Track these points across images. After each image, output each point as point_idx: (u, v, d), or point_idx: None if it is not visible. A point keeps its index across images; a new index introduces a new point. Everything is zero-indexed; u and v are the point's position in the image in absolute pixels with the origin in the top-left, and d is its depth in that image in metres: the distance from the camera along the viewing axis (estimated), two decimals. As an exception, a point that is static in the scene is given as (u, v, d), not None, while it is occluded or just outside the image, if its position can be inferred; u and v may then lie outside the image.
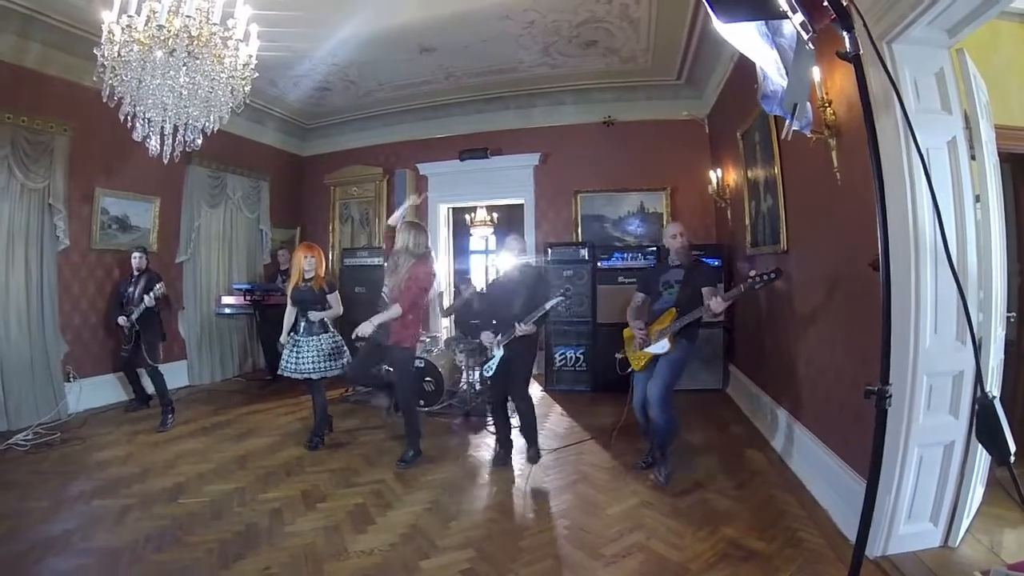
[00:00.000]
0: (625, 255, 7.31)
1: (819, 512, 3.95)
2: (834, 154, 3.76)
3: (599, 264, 7.37)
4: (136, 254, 6.09)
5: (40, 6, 5.28)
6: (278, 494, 4.35)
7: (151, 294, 5.75)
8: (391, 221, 5.31)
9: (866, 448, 3.35)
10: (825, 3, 1.84)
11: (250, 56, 4.32)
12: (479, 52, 6.66)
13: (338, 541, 3.72)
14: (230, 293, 8.05)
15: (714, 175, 7.13)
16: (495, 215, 11.15)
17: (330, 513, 4.08)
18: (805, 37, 2.00)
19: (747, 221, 5.87)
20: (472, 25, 5.93)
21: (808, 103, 2.74)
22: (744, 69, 5.38)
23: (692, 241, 4.96)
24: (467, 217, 10.94)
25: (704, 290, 4.44)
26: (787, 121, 2.58)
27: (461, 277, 8.85)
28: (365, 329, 4.78)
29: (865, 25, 2.06)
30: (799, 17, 1.90)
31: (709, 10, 2.06)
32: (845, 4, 1.87)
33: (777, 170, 4.94)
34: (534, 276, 5.00)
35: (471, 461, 5.03)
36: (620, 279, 7.21)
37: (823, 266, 4.34)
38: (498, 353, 4.83)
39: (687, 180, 7.76)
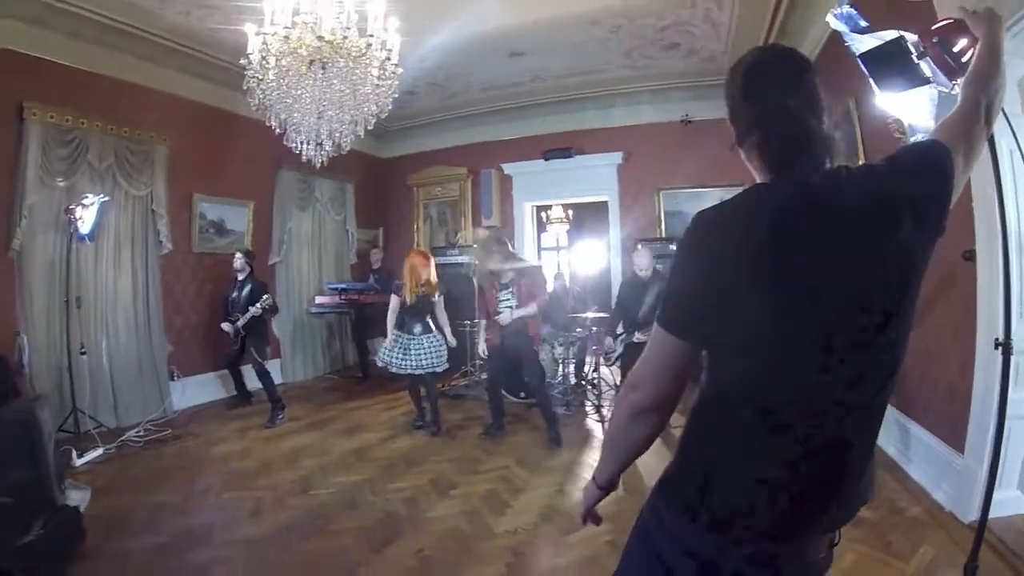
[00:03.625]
0: None
1: (912, 485, 4.13)
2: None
3: None
4: (238, 255, 6.23)
5: (138, 21, 5.42)
6: (406, 483, 4.44)
7: (258, 305, 5.93)
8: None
9: (958, 423, 3.72)
10: (956, 65, 2.14)
11: (397, 69, 4.44)
12: (566, 56, 6.75)
13: (481, 523, 3.83)
14: (323, 293, 8.17)
15: None
16: (570, 212, 11.22)
17: (464, 499, 4.18)
18: (947, 91, 2.24)
19: None
20: (561, 30, 6.01)
21: None
22: (823, 67, 5.34)
23: None
24: (544, 215, 10.93)
25: None
26: None
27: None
28: (505, 318, 5.06)
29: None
30: (940, 78, 2.22)
31: (873, 84, 2.40)
32: (965, 61, 2.13)
33: (862, 164, 4.91)
34: (662, 285, 5.16)
35: (582, 446, 5.11)
36: None
37: None
38: (619, 349, 5.28)
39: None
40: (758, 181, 1.36)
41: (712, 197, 7.83)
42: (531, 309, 5.16)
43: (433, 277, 5.44)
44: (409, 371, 5.37)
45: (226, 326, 6.09)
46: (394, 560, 3.44)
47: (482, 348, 5.56)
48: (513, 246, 5.61)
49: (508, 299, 5.18)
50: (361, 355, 8.23)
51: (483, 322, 5.50)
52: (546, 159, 8.55)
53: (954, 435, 3.82)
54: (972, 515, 3.36)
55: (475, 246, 5.72)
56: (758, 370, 1.21)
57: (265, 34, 4.08)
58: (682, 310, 1.24)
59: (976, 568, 2.66)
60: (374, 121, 4.70)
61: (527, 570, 3.38)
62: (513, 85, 7.74)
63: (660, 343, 1.24)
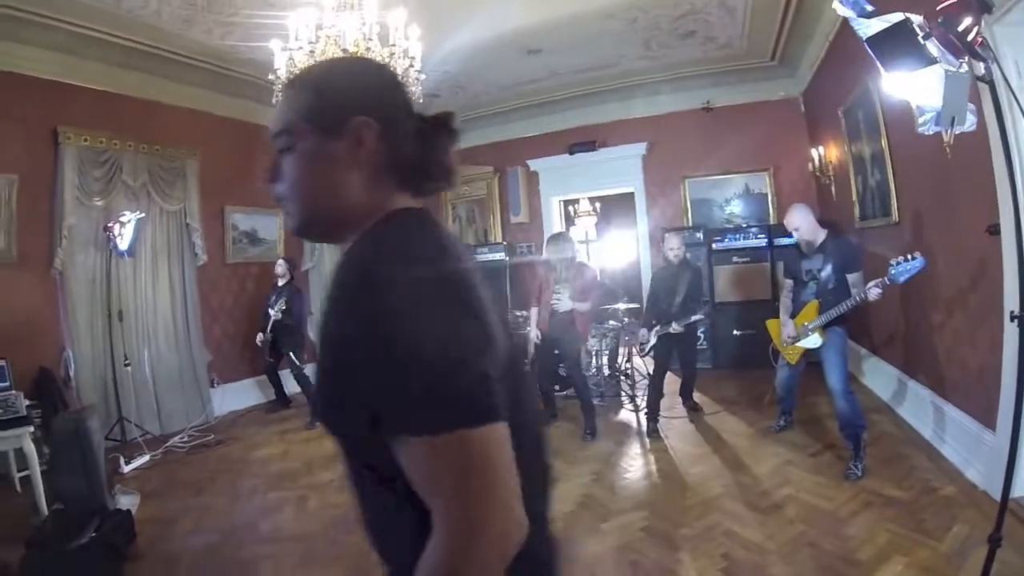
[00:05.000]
0: (737, 236, 7.46)
1: (946, 464, 4.15)
2: (948, 131, 3.86)
3: (713, 246, 7.49)
4: (280, 262, 6.49)
5: (162, 42, 5.59)
6: None
7: (273, 309, 6.18)
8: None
9: (990, 400, 3.73)
10: (961, 45, 2.36)
11: (419, 74, 4.66)
12: (583, 50, 6.85)
13: None
14: None
15: (816, 152, 7.13)
16: (597, 205, 11.25)
17: None
18: (954, 69, 2.47)
19: (854, 196, 5.95)
20: (577, 26, 6.11)
21: (970, 106, 2.83)
22: (842, 47, 5.54)
23: (825, 220, 4.94)
24: (571, 209, 11.07)
25: (851, 277, 4.40)
26: (947, 131, 2.84)
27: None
28: (564, 304, 5.30)
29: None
30: (947, 58, 2.44)
31: (879, 64, 2.61)
32: (970, 41, 2.38)
33: (884, 143, 5.01)
34: (693, 275, 5.50)
35: (617, 436, 5.26)
36: (734, 259, 7.36)
37: (938, 234, 4.50)
38: (652, 340, 5.40)
39: (788, 159, 7.83)
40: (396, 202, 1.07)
41: (737, 184, 7.95)
42: (586, 305, 5.33)
43: None
44: None
45: (259, 338, 6.35)
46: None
47: (535, 335, 5.61)
48: (576, 249, 5.76)
49: (560, 292, 5.35)
50: None
51: (534, 310, 5.60)
52: (571, 153, 8.66)
53: (986, 413, 3.83)
54: (1011, 493, 3.27)
55: (547, 243, 5.75)
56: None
57: (291, 50, 4.28)
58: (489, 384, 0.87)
59: (1000, 540, 2.70)
60: None
61: (566, 556, 3.39)
62: (532, 82, 7.86)
63: (496, 445, 0.85)
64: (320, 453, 5.21)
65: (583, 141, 8.58)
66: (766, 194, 7.99)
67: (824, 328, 4.48)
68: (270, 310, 6.23)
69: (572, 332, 5.38)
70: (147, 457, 5.08)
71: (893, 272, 3.97)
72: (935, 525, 3.42)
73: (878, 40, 2.73)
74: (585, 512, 4.00)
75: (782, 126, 7.79)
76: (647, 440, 5.14)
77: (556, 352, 5.58)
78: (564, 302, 5.30)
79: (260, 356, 6.63)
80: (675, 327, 5.23)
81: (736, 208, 8.10)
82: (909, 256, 3.95)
